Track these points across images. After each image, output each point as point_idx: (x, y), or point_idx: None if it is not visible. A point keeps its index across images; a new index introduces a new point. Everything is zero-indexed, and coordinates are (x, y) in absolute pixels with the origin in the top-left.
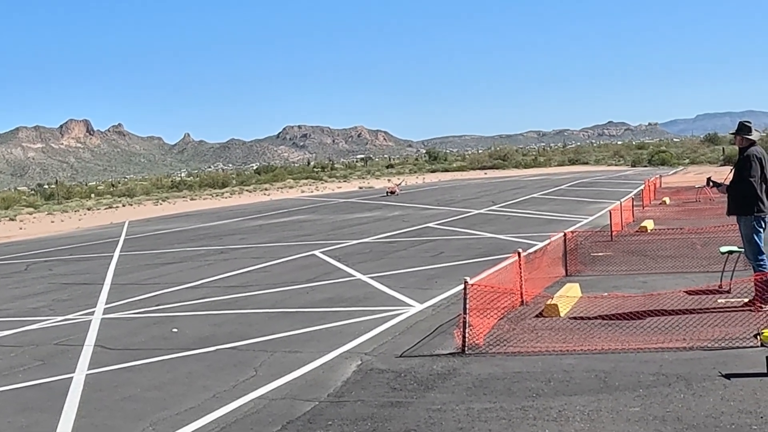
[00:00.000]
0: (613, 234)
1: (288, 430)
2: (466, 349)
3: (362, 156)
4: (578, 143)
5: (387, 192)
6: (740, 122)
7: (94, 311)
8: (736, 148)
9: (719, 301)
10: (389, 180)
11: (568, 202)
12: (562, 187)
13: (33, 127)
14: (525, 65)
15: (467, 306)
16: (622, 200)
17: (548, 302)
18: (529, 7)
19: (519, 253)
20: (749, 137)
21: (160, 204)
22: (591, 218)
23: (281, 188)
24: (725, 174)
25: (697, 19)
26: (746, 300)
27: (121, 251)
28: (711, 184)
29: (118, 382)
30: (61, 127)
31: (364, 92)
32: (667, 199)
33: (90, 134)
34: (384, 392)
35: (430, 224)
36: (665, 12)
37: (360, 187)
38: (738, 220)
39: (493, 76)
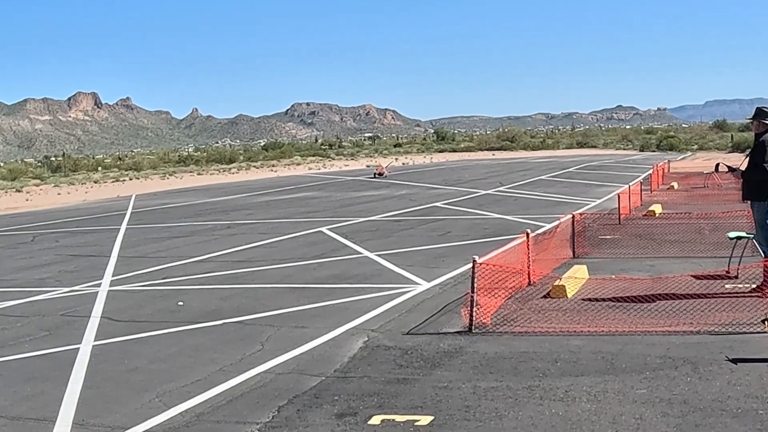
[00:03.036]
0: (621, 217)
1: (294, 404)
2: (473, 327)
3: (370, 134)
4: (587, 126)
5: (375, 174)
6: (758, 108)
7: (100, 283)
8: (744, 135)
9: (726, 286)
10: (375, 159)
11: (575, 185)
12: (570, 169)
13: (41, 99)
14: (534, 47)
15: (475, 285)
16: (630, 184)
17: (556, 283)
18: None
19: (527, 234)
20: (766, 122)
21: (167, 178)
22: (599, 201)
23: (288, 165)
24: (733, 161)
25: (708, 5)
26: (754, 286)
27: (127, 224)
28: (727, 169)
29: (125, 353)
30: (69, 99)
31: (373, 71)
32: (675, 184)
33: (98, 107)
34: (390, 369)
35: (437, 203)
36: None
37: (367, 166)
38: (752, 206)
39: (502, 58)
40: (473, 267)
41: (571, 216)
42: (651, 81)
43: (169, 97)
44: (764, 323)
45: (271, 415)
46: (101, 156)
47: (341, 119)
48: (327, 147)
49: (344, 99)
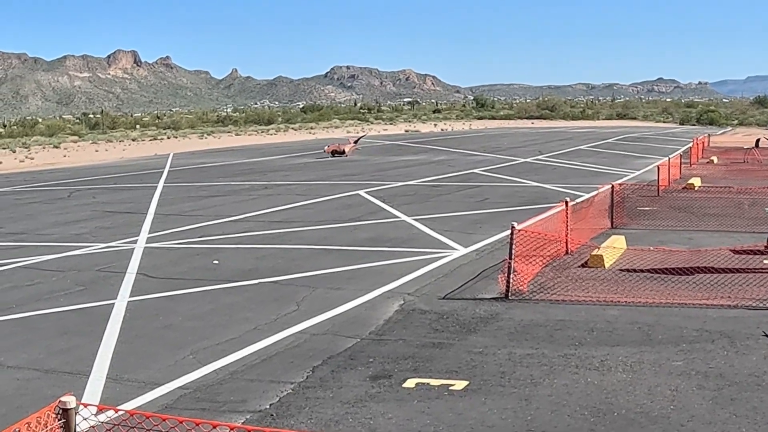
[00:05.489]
0: (660, 189)
1: (329, 365)
2: (509, 294)
3: (409, 99)
4: (627, 98)
5: (333, 152)
6: None
7: (136, 240)
8: None
9: (765, 261)
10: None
11: (614, 156)
12: (609, 140)
13: (80, 56)
14: (576, 16)
15: (513, 251)
16: (670, 157)
17: (593, 253)
18: None
19: (566, 202)
20: None
21: (205, 138)
22: (637, 173)
23: (327, 128)
24: None
25: None
26: None
27: (165, 182)
28: None
29: (159, 310)
30: (108, 57)
31: (415, 35)
32: (714, 159)
33: (137, 65)
34: (426, 333)
35: (475, 170)
36: None
37: (406, 131)
38: None
39: (543, 26)
40: (511, 233)
41: (610, 186)
42: (692, 54)
43: (209, 57)
44: None
45: (306, 375)
46: (139, 114)
47: (381, 83)
48: (366, 111)
49: (384, 63)
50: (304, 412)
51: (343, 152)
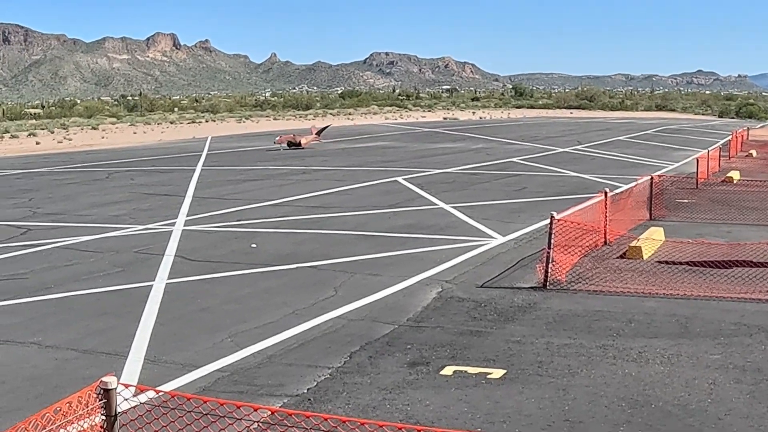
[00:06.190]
0: (699, 182)
1: (366, 351)
2: (547, 284)
3: (448, 87)
4: (666, 90)
5: (286, 143)
6: None
7: (174, 222)
8: None
9: None
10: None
11: (653, 147)
12: (648, 132)
13: (120, 38)
14: (616, 7)
15: (552, 241)
16: (709, 149)
17: (632, 244)
18: None
19: (605, 193)
20: None
21: (243, 122)
22: (676, 165)
23: (365, 114)
24: None
25: None
26: None
27: (203, 165)
28: None
29: (197, 292)
30: (147, 39)
31: (454, 23)
32: (753, 152)
33: (176, 48)
34: (463, 320)
35: (514, 159)
36: None
37: (444, 118)
38: None
39: (583, 16)
40: (551, 223)
41: (649, 177)
42: (732, 47)
43: (248, 41)
44: None
45: (343, 360)
46: (178, 97)
47: (420, 70)
48: (404, 98)
49: (424, 50)
50: (342, 398)
51: (299, 144)
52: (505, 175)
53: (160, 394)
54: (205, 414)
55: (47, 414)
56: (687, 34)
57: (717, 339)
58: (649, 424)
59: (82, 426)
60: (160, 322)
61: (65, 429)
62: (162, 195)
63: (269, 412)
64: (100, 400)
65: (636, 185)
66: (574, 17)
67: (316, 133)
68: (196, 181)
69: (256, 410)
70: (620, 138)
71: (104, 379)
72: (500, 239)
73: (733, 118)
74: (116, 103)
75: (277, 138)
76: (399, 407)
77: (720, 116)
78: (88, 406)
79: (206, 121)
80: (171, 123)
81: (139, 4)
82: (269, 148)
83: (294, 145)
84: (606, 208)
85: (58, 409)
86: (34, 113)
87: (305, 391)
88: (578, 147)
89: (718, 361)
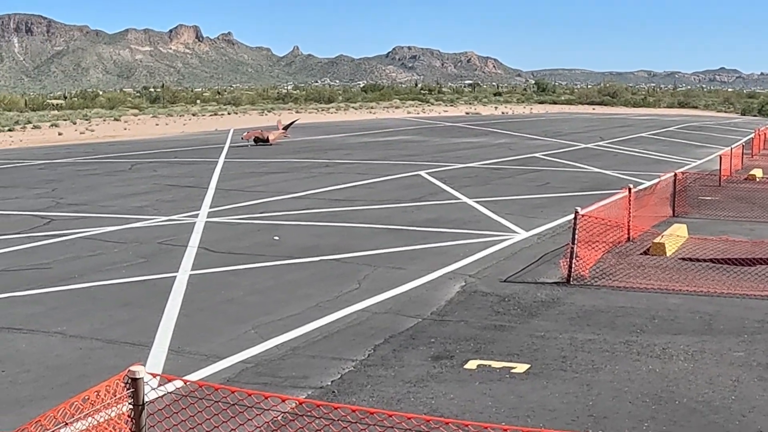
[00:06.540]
0: (722, 179)
1: (390, 344)
2: (571, 279)
3: (470, 82)
4: (688, 87)
5: (253, 139)
6: None
7: (197, 214)
8: None
9: None
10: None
11: (675, 144)
12: (671, 128)
13: (142, 30)
14: (639, 3)
15: (576, 236)
16: (732, 147)
17: (655, 240)
18: None
19: (629, 189)
20: None
21: (266, 114)
22: (699, 162)
23: (387, 108)
24: None
25: None
26: None
27: (225, 158)
28: None
29: (221, 284)
30: (170, 31)
31: (477, 18)
32: None
33: (199, 41)
34: (487, 315)
35: (536, 154)
36: None
37: (467, 113)
38: None
39: (606, 12)
40: (575, 218)
41: (672, 174)
42: (755, 45)
43: (271, 33)
44: None
45: (367, 353)
46: (200, 89)
47: (442, 65)
48: (427, 92)
49: (446, 45)
50: (366, 390)
51: (267, 140)
52: (528, 170)
53: (188, 384)
54: (233, 404)
55: (76, 402)
56: (710, 31)
57: (741, 336)
58: (674, 420)
59: (109, 415)
60: (184, 313)
61: (93, 417)
62: (185, 186)
63: (296, 403)
64: (127, 390)
65: (659, 182)
66: (597, 13)
67: (283, 128)
68: (218, 173)
69: (283, 401)
70: (643, 134)
71: (132, 368)
72: (523, 234)
73: (755, 115)
74: (138, 94)
75: (245, 134)
76: (423, 400)
77: (742, 114)
78: (115, 395)
79: (228, 114)
80: (193, 115)
81: None
82: (236, 144)
83: (261, 141)
84: (630, 204)
85: (87, 397)
86: (57, 104)
87: (329, 383)
88: (601, 143)
89: (742, 358)
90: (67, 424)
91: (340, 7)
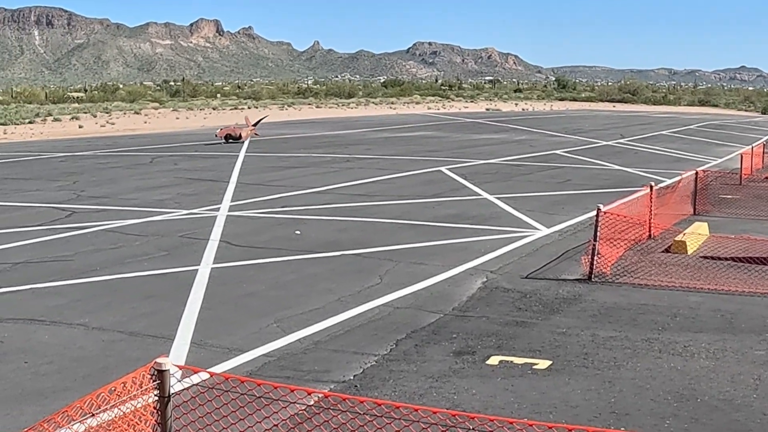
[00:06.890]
0: (743, 178)
1: (412, 339)
2: (592, 276)
3: (491, 78)
4: (709, 85)
5: (227, 136)
6: None
7: (219, 207)
8: None
9: None
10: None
11: (696, 143)
12: (691, 127)
13: (163, 23)
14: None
15: (597, 233)
16: (753, 145)
17: (677, 238)
18: None
19: (651, 187)
20: None
21: (286, 109)
22: (719, 160)
23: (407, 103)
24: None
25: None
26: None
27: (246, 152)
28: None
29: (242, 278)
30: (191, 25)
31: (498, 14)
32: None
33: (219, 35)
34: (509, 311)
35: (557, 151)
36: None
37: (487, 109)
38: None
39: (627, 9)
40: (597, 215)
41: (693, 172)
42: None
43: (291, 28)
44: None
45: (389, 348)
46: (220, 83)
47: (462, 61)
48: (447, 88)
49: (467, 41)
50: (388, 385)
51: (240, 137)
52: (549, 167)
53: (213, 376)
54: (258, 397)
55: (102, 393)
56: (731, 29)
57: (762, 335)
58: (695, 418)
59: (135, 406)
60: (206, 306)
61: (119, 408)
62: (206, 180)
63: (320, 396)
64: (153, 381)
65: (681, 180)
66: (618, 11)
67: (252, 125)
68: (239, 167)
69: (309, 394)
70: (663, 132)
71: (158, 360)
72: (544, 231)
73: None
74: (159, 88)
75: (218, 131)
76: (445, 395)
77: (763, 113)
78: (141, 387)
79: (248, 108)
80: (213, 109)
81: None
82: (210, 142)
83: (233, 138)
84: (651, 202)
85: (113, 389)
86: (77, 97)
87: (351, 377)
88: (621, 140)
89: (763, 356)
90: (93, 415)
91: (360, 2)
